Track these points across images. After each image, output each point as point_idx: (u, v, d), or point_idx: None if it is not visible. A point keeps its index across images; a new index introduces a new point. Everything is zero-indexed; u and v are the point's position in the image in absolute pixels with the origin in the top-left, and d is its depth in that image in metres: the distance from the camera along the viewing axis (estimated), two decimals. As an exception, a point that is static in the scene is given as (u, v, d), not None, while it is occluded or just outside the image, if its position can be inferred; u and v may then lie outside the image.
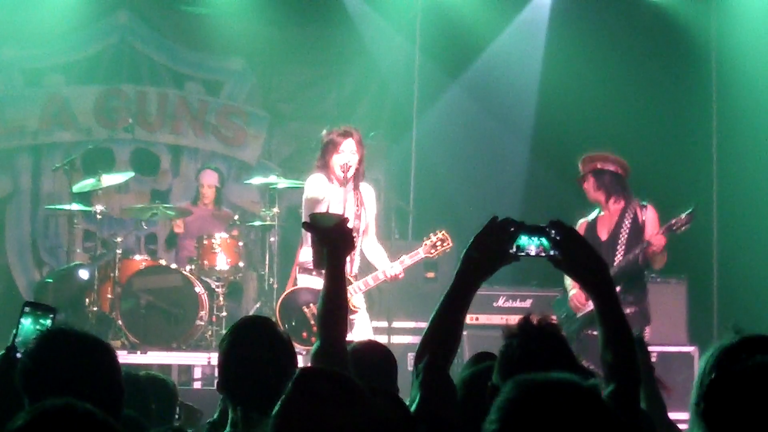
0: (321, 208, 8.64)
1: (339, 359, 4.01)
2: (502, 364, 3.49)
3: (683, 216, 8.79)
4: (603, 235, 9.05)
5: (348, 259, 8.45)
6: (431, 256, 8.84)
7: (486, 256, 3.37)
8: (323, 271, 4.16)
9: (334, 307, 4.10)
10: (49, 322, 4.04)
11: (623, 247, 8.94)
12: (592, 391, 2.63)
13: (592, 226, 9.09)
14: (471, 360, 4.35)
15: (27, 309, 4.03)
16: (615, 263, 8.81)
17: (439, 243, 8.80)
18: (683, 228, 8.80)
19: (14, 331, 3.92)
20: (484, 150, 12.75)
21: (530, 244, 3.36)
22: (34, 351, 3.59)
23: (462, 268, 3.38)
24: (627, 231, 9.01)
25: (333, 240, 4.16)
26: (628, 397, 3.25)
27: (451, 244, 8.76)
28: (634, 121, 12.13)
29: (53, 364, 3.51)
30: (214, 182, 12.01)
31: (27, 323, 4.00)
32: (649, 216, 9.03)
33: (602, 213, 9.14)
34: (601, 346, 3.32)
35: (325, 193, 8.70)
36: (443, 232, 8.84)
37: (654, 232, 8.86)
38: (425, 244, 8.82)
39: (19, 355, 3.72)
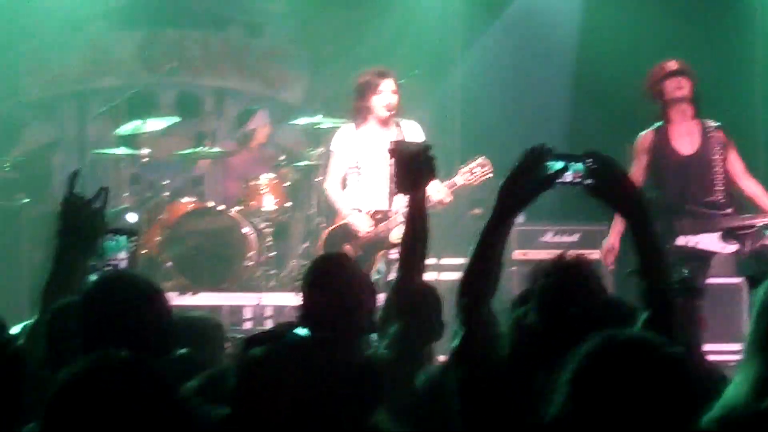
0: (344, 163, 8.76)
1: (416, 293, 4.18)
2: (538, 302, 3.52)
3: None
4: (684, 148, 8.44)
5: (389, 194, 8.53)
6: (469, 182, 8.72)
7: (522, 184, 3.38)
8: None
9: (416, 232, 4.33)
10: (130, 243, 4.54)
11: (720, 166, 8.34)
12: (677, 357, 2.68)
13: (663, 136, 8.49)
14: (516, 300, 4.37)
15: (109, 234, 4.50)
16: (714, 185, 8.32)
17: (478, 168, 8.69)
18: None
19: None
20: (527, 88, 12.64)
21: (566, 171, 3.36)
22: (89, 292, 3.67)
23: (499, 199, 3.40)
24: (718, 152, 8.36)
25: (415, 166, 4.29)
26: (663, 325, 3.26)
27: (491, 170, 8.60)
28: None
29: (107, 306, 3.59)
30: (269, 121, 12.09)
31: (111, 244, 4.49)
32: (730, 148, 8.43)
33: (669, 125, 8.52)
34: (637, 274, 3.34)
35: (348, 148, 8.82)
36: (483, 157, 8.75)
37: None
38: (461, 171, 8.73)
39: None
